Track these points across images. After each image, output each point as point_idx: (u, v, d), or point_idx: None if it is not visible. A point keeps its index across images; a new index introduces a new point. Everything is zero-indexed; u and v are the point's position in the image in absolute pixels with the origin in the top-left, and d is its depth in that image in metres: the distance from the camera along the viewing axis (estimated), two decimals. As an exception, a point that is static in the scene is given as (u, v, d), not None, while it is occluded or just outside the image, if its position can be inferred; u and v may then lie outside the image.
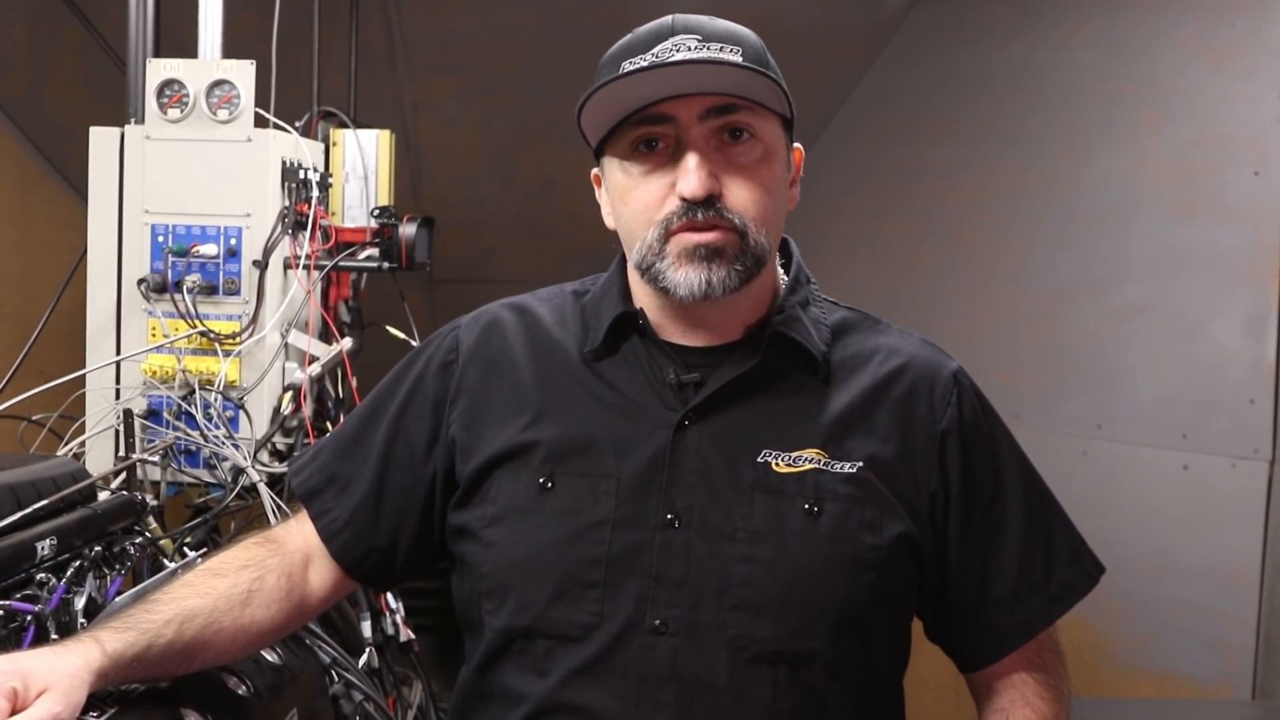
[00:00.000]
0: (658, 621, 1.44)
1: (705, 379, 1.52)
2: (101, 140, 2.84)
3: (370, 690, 2.12)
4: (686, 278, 1.46)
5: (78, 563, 1.82)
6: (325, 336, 3.03)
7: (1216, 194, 3.58)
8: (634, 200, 1.50)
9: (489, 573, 1.52)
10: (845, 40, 4.55)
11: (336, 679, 2.13)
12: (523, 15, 4.30)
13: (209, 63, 2.87)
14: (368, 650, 2.29)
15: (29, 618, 1.63)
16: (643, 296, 1.57)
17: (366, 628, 2.71)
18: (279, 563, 1.60)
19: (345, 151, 3.44)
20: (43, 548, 1.77)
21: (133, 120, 2.88)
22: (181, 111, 2.78)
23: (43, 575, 1.74)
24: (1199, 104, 3.64)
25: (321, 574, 1.64)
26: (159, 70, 2.79)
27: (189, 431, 2.68)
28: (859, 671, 1.50)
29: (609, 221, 1.60)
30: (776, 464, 1.49)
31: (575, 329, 1.60)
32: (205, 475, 2.73)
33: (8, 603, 1.61)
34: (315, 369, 2.84)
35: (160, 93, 2.79)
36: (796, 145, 1.61)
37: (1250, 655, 3.48)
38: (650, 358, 1.55)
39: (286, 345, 2.86)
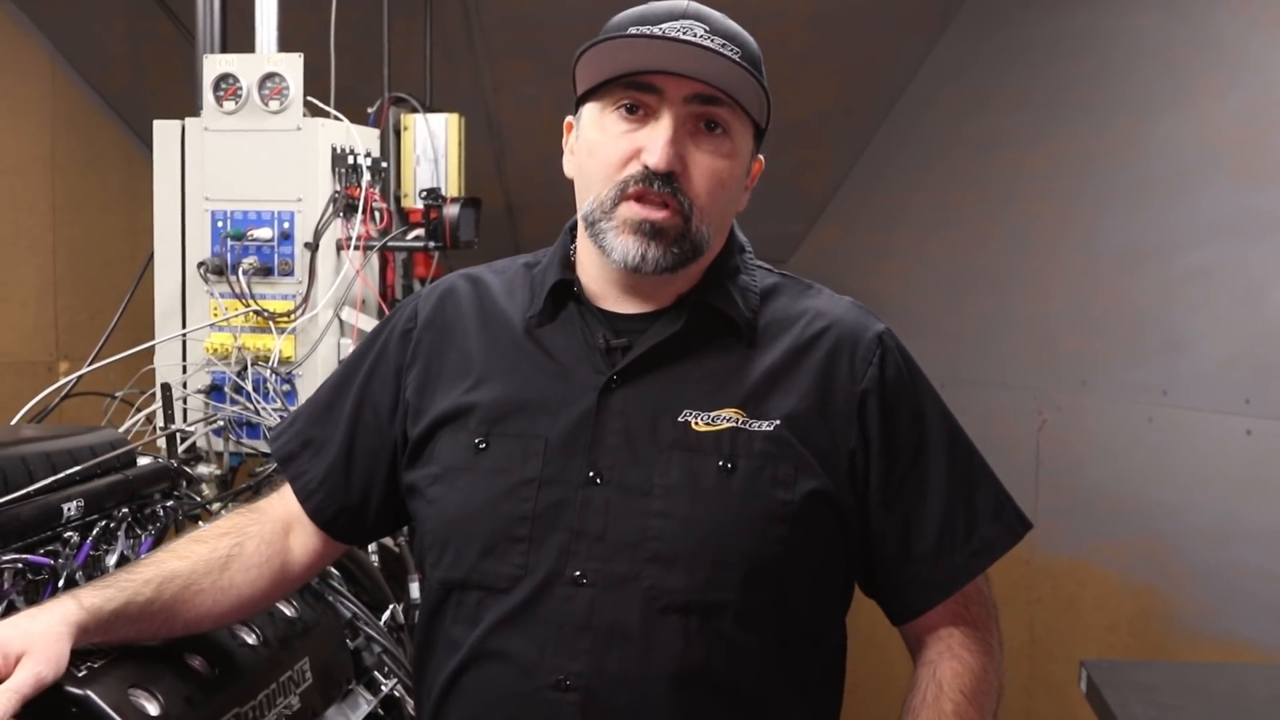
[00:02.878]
0: (577, 573, 1.53)
1: (634, 344, 1.61)
2: (164, 132, 3.03)
3: (389, 643, 2.26)
4: (625, 246, 1.54)
5: (104, 523, 1.99)
6: (383, 314, 3.18)
7: (1277, 157, 3.55)
8: (600, 155, 1.56)
9: (431, 528, 1.63)
10: (914, 12, 4.57)
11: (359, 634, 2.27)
12: (595, -3, 4.40)
13: (261, 56, 3.05)
14: (390, 607, 2.43)
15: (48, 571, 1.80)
16: (586, 259, 1.65)
17: (415, 589, 2.86)
18: (258, 530, 1.71)
19: (416, 135, 3.59)
20: (69, 509, 1.95)
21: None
22: (236, 103, 2.96)
23: (69, 534, 1.92)
24: (1260, 67, 3.60)
25: (303, 540, 1.75)
26: (215, 65, 2.98)
27: (246, 405, 2.86)
28: (774, 622, 1.56)
29: (568, 169, 1.67)
30: (696, 423, 1.57)
31: (522, 298, 1.69)
32: (262, 446, 2.91)
33: (25, 556, 1.78)
34: (365, 344, 2.99)
35: (216, 86, 2.97)
36: (760, 156, 1.67)
37: (1314, 621, 3.47)
38: (584, 323, 1.63)
39: (341, 322, 3.02)
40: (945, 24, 4.62)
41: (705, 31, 1.53)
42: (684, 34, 1.52)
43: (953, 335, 4.72)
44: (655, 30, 1.53)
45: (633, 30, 1.54)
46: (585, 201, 1.59)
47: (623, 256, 1.54)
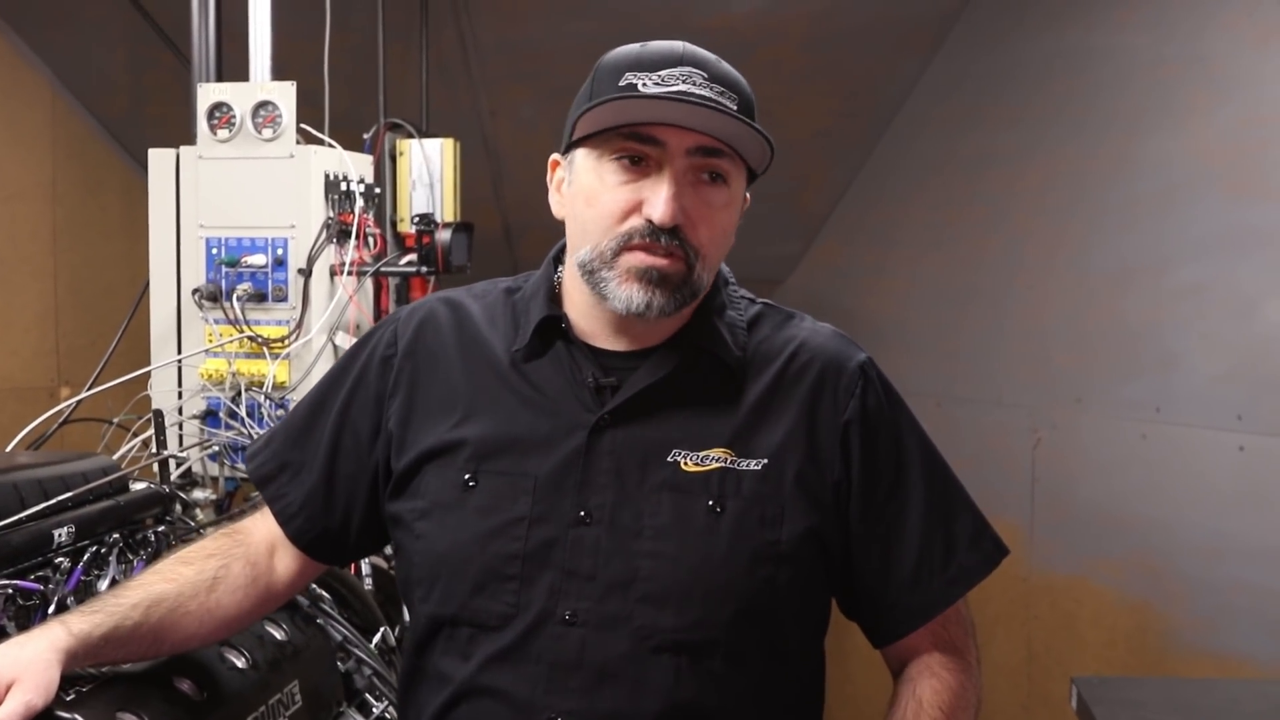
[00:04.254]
0: (568, 613, 1.53)
1: (622, 382, 1.60)
2: (159, 161, 3.07)
3: (379, 666, 2.28)
4: (629, 294, 1.53)
5: (95, 548, 2.01)
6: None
7: (1267, 173, 3.58)
8: (600, 205, 1.54)
9: (418, 563, 1.63)
10: (907, 32, 4.61)
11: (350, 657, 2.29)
12: (590, 21, 4.43)
13: (254, 85, 3.08)
14: (381, 630, 2.45)
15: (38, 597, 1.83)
16: (575, 295, 1.63)
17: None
18: (244, 551, 1.73)
19: (411, 160, 3.62)
20: (60, 535, 1.97)
21: (210, 142, 3.10)
22: (230, 131, 3.00)
23: (61, 559, 1.94)
24: (1249, 83, 3.63)
25: (286, 561, 1.76)
26: (208, 94, 3.01)
27: (241, 430, 2.89)
28: (761, 659, 1.58)
29: (556, 210, 1.65)
30: (685, 464, 1.57)
31: (504, 327, 1.68)
32: (256, 470, 2.93)
33: (16, 581, 1.80)
34: (359, 368, 3.02)
35: (210, 115, 3.00)
36: (746, 194, 1.66)
37: (1310, 635, 3.48)
38: (572, 360, 1.62)
39: (335, 347, 3.05)
40: (939, 44, 4.65)
41: (704, 79, 1.52)
42: (684, 82, 1.51)
43: (949, 353, 4.75)
44: (654, 78, 1.51)
45: (630, 76, 1.52)
46: (582, 249, 1.56)
47: (626, 304, 1.53)
